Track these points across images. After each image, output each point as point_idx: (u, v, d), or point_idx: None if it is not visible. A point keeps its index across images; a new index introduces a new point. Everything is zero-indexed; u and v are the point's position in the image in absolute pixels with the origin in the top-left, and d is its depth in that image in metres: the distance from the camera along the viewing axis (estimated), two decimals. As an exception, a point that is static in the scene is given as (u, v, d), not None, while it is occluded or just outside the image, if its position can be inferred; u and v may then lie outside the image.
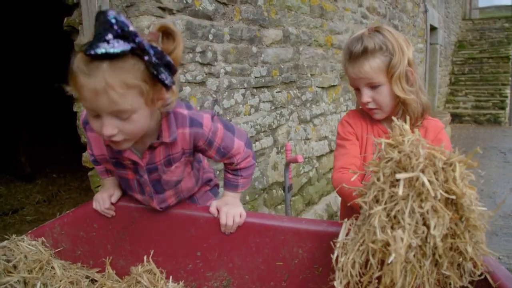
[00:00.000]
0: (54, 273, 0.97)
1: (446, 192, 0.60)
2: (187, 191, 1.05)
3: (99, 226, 1.08)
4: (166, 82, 0.77)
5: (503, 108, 7.71)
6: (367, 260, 0.65)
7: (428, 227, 0.60)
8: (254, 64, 2.06)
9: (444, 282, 0.65)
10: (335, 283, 0.68)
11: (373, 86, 1.03)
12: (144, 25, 1.46)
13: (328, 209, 2.92)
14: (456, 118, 7.76)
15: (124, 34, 0.70)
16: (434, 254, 0.62)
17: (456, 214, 0.61)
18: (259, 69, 2.10)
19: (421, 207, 0.60)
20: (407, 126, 0.67)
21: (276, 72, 2.25)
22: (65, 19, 1.61)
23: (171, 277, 1.04)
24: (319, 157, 2.86)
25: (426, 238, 0.60)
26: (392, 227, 0.61)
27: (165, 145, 0.92)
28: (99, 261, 1.08)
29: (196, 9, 1.67)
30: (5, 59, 3.65)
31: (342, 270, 0.67)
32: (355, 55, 1.02)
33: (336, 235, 0.75)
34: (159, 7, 1.51)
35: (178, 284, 1.03)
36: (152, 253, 1.05)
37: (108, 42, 0.68)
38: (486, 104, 7.91)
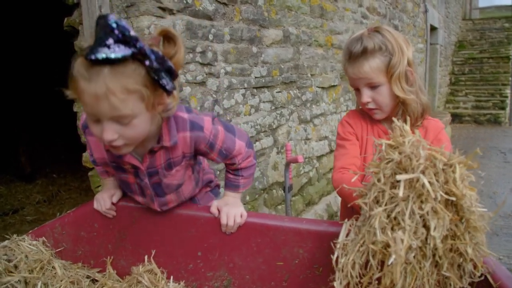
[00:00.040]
0: (55, 273, 0.97)
1: (446, 193, 0.61)
2: (188, 194, 1.05)
3: (100, 226, 1.08)
4: (167, 87, 0.76)
5: (503, 108, 7.71)
6: (367, 261, 0.65)
7: (428, 229, 0.60)
8: (254, 64, 2.07)
9: (444, 283, 0.65)
10: (335, 284, 0.68)
11: (373, 86, 1.03)
12: (144, 25, 1.47)
13: (328, 209, 2.93)
14: (456, 118, 7.76)
15: (125, 39, 0.69)
16: (434, 255, 0.62)
17: (456, 215, 0.62)
18: (259, 69, 2.10)
19: (421, 208, 0.60)
20: (407, 127, 0.67)
21: (276, 72, 2.25)
22: (65, 19, 1.61)
23: (172, 277, 1.04)
24: (319, 157, 2.87)
25: (426, 239, 0.60)
26: (392, 229, 0.61)
27: (165, 149, 0.91)
28: (100, 261, 1.09)
29: (196, 9, 1.67)
30: (5, 59, 3.65)
31: (342, 271, 0.67)
32: (354, 55, 1.02)
33: (336, 235, 0.75)
34: (159, 7, 1.51)
35: (179, 284, 1.04)
36: (153, 253, 1.05)
37: (109, 47, 0.68)
38: (486, 104, 7.91)
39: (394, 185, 0.63)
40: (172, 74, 0.78)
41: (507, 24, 9.18)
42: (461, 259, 0.64)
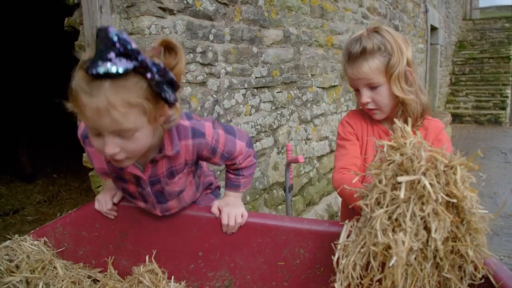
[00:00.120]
0: (57, 273, 0.98)
1: (447, 195, 0.61)
2: (189, 199, 1.05)
3: (101, 226, 1.09)
4: (170, 99, 0.75)
5: (503, 108, 7.71)
6: (368, 263, 0.65)
7: (429, 230, 0.60)
8: (255, 64, 2.07)
9: (445, 285, 0.65)
10: (336, 285, 0.68)
11: (372, 87, 1.03)
12: (145, 25, 1.47)
13: (328, 209, 2.93)
14: (456, 118, 7.75)
15: (126, 52, 0.68)
16: (435, 257, 0.62)
17: (457, 217, 0.62)
18: (260, 69, 2.10)
19: (422, 210, 0.60)
20: (409, 128, 0.68)
21: (276, 72, 2.25)
22: (66, 19, 1.61)
23: (173, 277, 1.04)
24: (319, 157, 2.87)
25: (427, 241, 0.60)
26: (393, 230, 0.61)
27: (167, 158, 0.90)
28: (101, 261, 1.09)
29: (197, 9, 1.67)
30: (5, 59, 3.65)
31: (343, 272, 0.67)
32: (353, 55, 1.03)
33: (337, 235, 0.75)
34: (160, 7, 1.51)
35: (180, 284, 1.04)
36: (154, 253, 1.06)
37: (110, 60, 0.67)
38: (486, 105, 7.91)
39: (395, 186, 0.63)
40: (174, 86, 0.77)
41: (508, 24, 9.17)
42: (462, 261, 0.64)
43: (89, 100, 0.69)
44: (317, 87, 2.74)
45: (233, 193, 1.05)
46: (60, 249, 1.06)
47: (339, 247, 0.71)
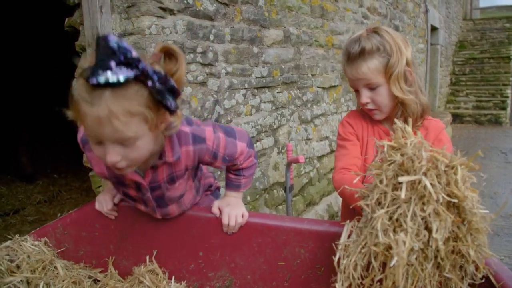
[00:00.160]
0: (57, 273, 0.98)
1: (448, 195, 0.61)
2: (189, 203, 1.05)
3: (101, 226, 1.09)
4: (171, 107, 0.75)
5: (504, 109, 7.71)
6: (369, 263, 0.65)
7: (430, 231, 0.60)
8: (255, 64, 2.07)
9: (446, 285, 0.65)
10: (337, 285, 0.68)
11: (372, 87, 1.03)
12: (145, 25, 1.47)
13: (329, 209, 2.93)
14: (457, 118, 7.75)
15: (127, 61, 0.67)
16: (436, 257, 0.62)
17: (458, 217, 0.62)
18: (260, 70, 2.10)
19: (423, 210, 0.60)
20: (409, 128, 0.68)
21: (277, 72, 2.25)
22: (66, 19, 1.61)
23: (173, 277, 1.04)
24: (320, 158, 2.87)
25: (428, 241, 0.60)
26: (394, 230, 0.61)
27: (168, 164, 0.90)
28: (102, 261, 1.09)
29: (197, 9, 1.67)
30: (5, 59, 3.65)
31: (344, 272, 0.67)
32: (353, 56, 1.03)
33: (338, 235, 0.75)
34: (160, 8, 1.51)
35: (181, 284, 1.04)
36: (154, 253, 1.05)
37: (111, 69, 0.66)
38: (487, 105, 7.91)
39: (396, 187, 0.63)
40: (175, 93, 0.76)
41: (508, 24, 9.17)
42: (463, 261, 0.64)
43: (90, 109, 0.69)
44: (318, 87, 2.74)
45: (234, 193, 1.05)
46: (61, 249, 1.06)
47: (340, 247, 0.71)
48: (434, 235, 0.59)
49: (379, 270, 0.64)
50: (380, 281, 0.65)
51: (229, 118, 1.92)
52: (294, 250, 0.95)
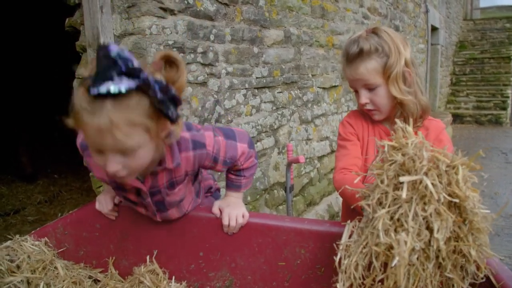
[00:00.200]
0: (57, 273, 0.97)
1: (449, 195, 0.61)
2: (190, 206, 1.04)
3: (102, 226, 1.09)
4: (172, 117, 0.74)
5: (504, 109, 7.70)
6: (370, 263, 0.65)
7: (432, 230, 0.60)
8: (256, 64, 2.07)
9: (447, 285, 0.65)
10: (338, 285, 0.68)
11: (370, 88, 1.03)
12: (146, 25, 1.47)
13: (329, 209, 2.93)
14: (457, 118, 7.75)
15: (128, 71, 0.67)
16: (437, 257, 0.62)
17: (459, 217, 0.62)
18: (260, 70, 2.10)
19: (424, 210, 0.60)
20: (410, 129, 0.67)
21: (277, 72, 2.25)
22: (67, 19, 1.61)
23: (173, 277, 1.04)
24: (320, 158, 2.87)
25: (429, 241, 0.60)
26: (395, 230, 0.61)
27: (168, 169, 0.90)
28: (102, 261, 1.09)
29: (198, 9, 1.67)
30: (5, 60, 3.65)
31: (345, 272, 0.67)
32: (351, 57, 1.03)
33: (338, 235, 0.75)
34: (161, 8, 1.51)
35: (181, 284, 1.04)
36: (155, 253, 1.05)
37: (112, 80, 0.65)
38: (487, 105, 7.90)
39: (397, 186, 0.63)
40: (176, 102, 0.76)
41: (508, 25, 9.17)
42: (464, 261, 0.64)
43: (91, 119, 0.68)
44: (318, 87, 2.74)
45: (234, 193, 1.05)
46: (61, 249, 1.06)
47: (341, 247, 0.71)
48: (435, 235, 0.59)
49: (380, 270, 0.64)
50: (382, 281, 0.65)
51: (229, 118, 1.92)
52: (295, 250, 0.95)
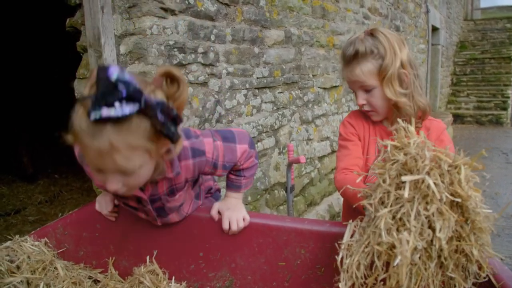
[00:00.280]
0: (57, 274, 0.97)
1: (452, 194, 0.60)
2: (190, 209, 1.04)
3: (102, 226, 1.08)
4: (174, 138, 0.74)
5: (505, 109, 7.70)
6: (372, 262, 0.65)
7: (434, 230, 0.60)
8: (256, 64, 2.06)
9: (449, 284, 0.65)
10: (340, 285, 0.67)
11: (367, 89, 1.04)
12: (147, 25, 1.47)
13: (330, 209, 2.92)
14: (458, 118, 7.74)
15: (129, 95, 0.65)
16: (439, 257, 0.62)
17: (461, 216, 0.61)
18: (261, 70, 2.10)
19: (426, 209, 0.60)
20: (412, 128, 0.67)
21: (278, 72, 2.25)
22: (67, 20, 1.61)
23: (173, 277, 1.04)
24: (321, 158, 2.86)
25: (431, 240, 0.60)
26: (397, 230, 0.61)
27: (168, 178, 0.90)
28: (102, 262, 1.08)
29: (198, 9, 1.67)
30: (5, 60, 3.65)
31: (347, 272, 0.67)
32: (347, 58, 1.04)
33: (338, 235, 0.75)
34: (161, 8, 1.51)
35: (181, 284, 1.03)
36: (155, 253, 1.05)
37: (113, 105, 0.64)
38: (488, 105, 7.90)
39: (400, 186, 0.63)
40: (177, 122, 0.75)
41: (509, 25, 9.17)
42: (466, 260, 0.63)
43: (91, 142, 0.68)
44: (319, 87, 2.74)
45: (235, 193, 1.05)
46: (61, 250, 1.06)
47: (343, 246, 0.71)
48: (437, 234, 0.59)
49: (382, 269, 0.63)
50: (384, 280, 0.64)
51: (230, 118, 1.91)
52: (295, 250, 0.95)
